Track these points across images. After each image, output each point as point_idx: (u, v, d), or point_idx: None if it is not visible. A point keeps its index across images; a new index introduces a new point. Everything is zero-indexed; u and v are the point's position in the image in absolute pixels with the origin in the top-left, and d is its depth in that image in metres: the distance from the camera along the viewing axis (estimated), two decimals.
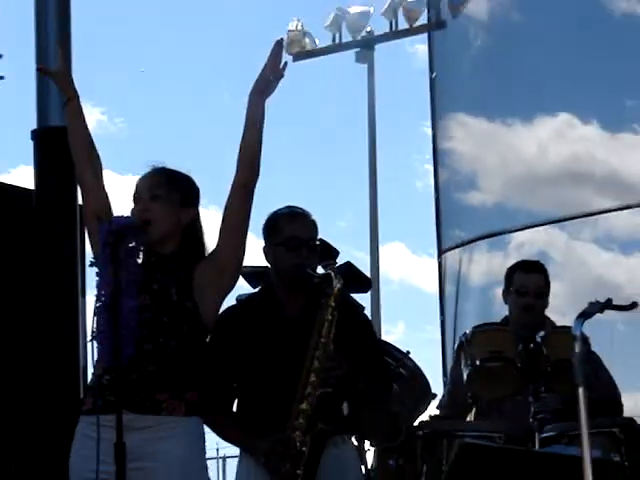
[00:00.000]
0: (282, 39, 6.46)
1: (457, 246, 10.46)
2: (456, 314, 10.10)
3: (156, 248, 6.31)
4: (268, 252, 6.91)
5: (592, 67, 10.91)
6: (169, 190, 6.31)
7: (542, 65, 10.95)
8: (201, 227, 6.55)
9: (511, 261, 8.92)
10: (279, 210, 6.94)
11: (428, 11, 11.04)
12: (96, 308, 6.05)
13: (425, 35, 14.65)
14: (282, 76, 6.44)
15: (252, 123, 6.32)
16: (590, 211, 11.02)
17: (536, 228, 10.74)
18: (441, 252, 10.40)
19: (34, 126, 8.61)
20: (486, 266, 10.42)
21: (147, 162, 6.42)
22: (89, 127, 6.54)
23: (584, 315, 6.57)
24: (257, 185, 6.35)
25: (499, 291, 9.02)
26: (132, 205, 6.35)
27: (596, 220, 11.02)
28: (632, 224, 10.87)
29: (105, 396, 5.95)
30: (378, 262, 20.98)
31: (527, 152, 11.14)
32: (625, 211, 10.98)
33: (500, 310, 8.77)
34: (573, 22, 10.64)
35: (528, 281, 8.23)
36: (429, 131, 10.99)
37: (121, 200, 6.46)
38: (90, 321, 6.17)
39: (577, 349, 6.43)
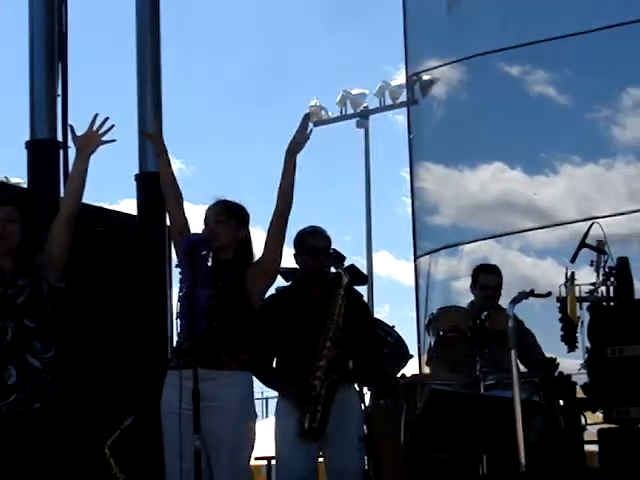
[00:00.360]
0: (309, 113, 6.50)
1: (426, 254, 10.46)
2: (426, 300, 10.11)
3: (219, 256, 6.35)
4: (297, 258, 7.00)
5: (517, 131, 10.89)
6: (227, 216, 6.39)
7: (482, 129, 10.95)
8: (251, 240, 6.51)
9: (463, 265, 8.91)
10: (304, 228, 7.02)
11: (407, 92, 10.96)
12: (179, 297, 6.08)
13: (404, 109, 14.89)
14: (308, 139, 6.45)
15: (288, 174, 6.41)
16: (517, 229, 11.02)
17: (479, 242, 10.74)
18: (416, 258, 10.39)
19: (137, 171, 8.52)
20: (446, 268, 10.43)
21: (214, 196, 6.50)
22: (175, 172, 6.59)
23: (514, 301, 6.65)
24: (297, 209, 6.49)
25: (454, 284, 9.08)
26: (203, 226, 6.37)
27: (521, 236, 11.02)
28: (545, 238, 10.88)
29: (185, 357, 5.99)
30: (372, 264, 21.45)
31: (472, 189, 11.13)
32: (540, 230, 11.00)
33: (455, 297, 8.78)
34: (504, 100, 10.66)
35: (488, 279, 8.26)
36: (407, 175, 11.11)
37: (196, 222, 6.55)
38: (175, 305, 6.22)
39: (510, 324, 6.53)
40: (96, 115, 6.20)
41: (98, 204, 8.22)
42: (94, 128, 6.20)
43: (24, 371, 5.86)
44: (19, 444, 5.79)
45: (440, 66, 10.98)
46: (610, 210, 10.35)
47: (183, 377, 5.87)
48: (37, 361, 5.90)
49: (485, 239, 10.67)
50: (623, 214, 10.10)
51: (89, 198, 7.94)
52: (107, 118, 6.19)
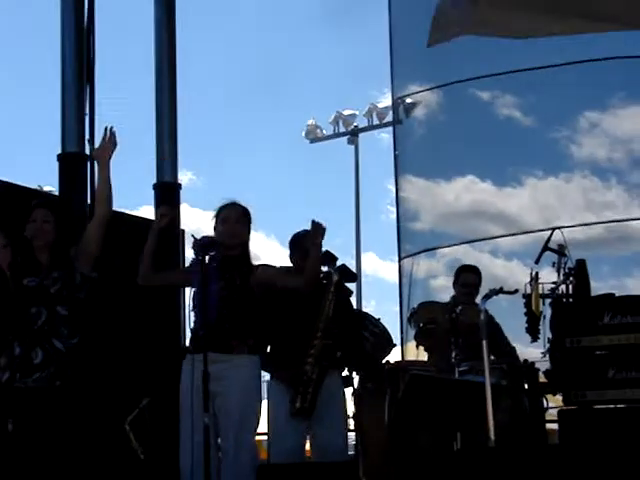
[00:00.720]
0: (322, 226, 6.35)
1: (409, 256, 10.47)
2: (408, 296, 10.13)
3: (229, 252, 6.32)
4: (292, 258, 6.98)
5: (487, 148, 10.93)
6: (245, 218, 6.40)
7: (457, 146, 10.97)
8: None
9: (440, 265, 8.93)
10: (299, 232, 7.02)
11: (392, 113, 10.99)
12: (193, 292, 6.11)
13: (390, 128, 15.02)
14: (320, 243, 6.35)
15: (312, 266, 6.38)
16: (488, 235, 11.05)
17: (455, 246, 10.77)
18: (400, 259, 10.39)
19: (154, 181, 8.54)
20: (425, 268, 10.44)
21: (224, 198, 6.50)
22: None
23: (486, 297, 6.71)
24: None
25: (433, 282, 9.10)
26: (222, 223, 6.37)
27: (492, 240, 11.06)
28: (513, 242, 10.91)
29: (200, 343, 5.99)
30: (360, 264, 21.55)
31: (448, 198, 11.15)
32: (508, 237, 11.03)
33: (433, 293, 8.83)
34: (476, 121, 10.68)
35: (469, 278, 8.27)
36: (391, 186, 11.21)
37: (206, 227, 6.56)
38: (188, 299, 6.22)
39: (482, 317, 6.53)
40: (106, 128, 6.24)
41: (120, 209, 8.23)
42: (105, 139, 6.25)
43: (49, 353, 5.91)
44: (41, 417, 5.81)
45: (421, 91, 11.00)
46: (569, 218, 10.40)
47: (197, 360, 5.90)
48: (62, 345, 5.94)
49: (460, 244, 10.69)
50: (585, 225, 10.12)
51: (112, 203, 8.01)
52: (112, 127, 6.22)
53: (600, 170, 10.78)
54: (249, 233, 6.48)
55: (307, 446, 7.12)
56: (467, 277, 8.32)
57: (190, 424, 5.91)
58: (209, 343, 5.95)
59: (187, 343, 6.51)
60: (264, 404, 6.63)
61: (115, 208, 7.84)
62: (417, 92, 10.98)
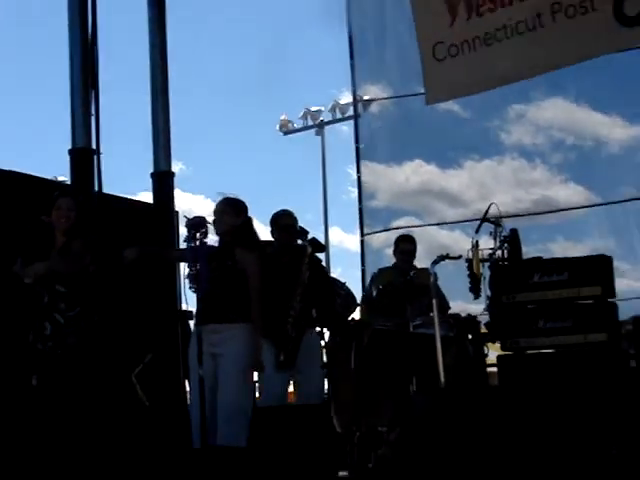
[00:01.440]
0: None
1: (371, 233, 10.42)
2: (368, 263, 10.08)
3: (223, 238, 6.25)
4: (273, 234, 6.86)
5: (431, 136, 10.83)
6: (229, 209, 6.24)
7: (406, 135, 10.90)
8: (251, 225, 6.35)
9: (393, 236, 8.83)
10: (278, 211, 6.90)
11: (354, 109, 10.85)
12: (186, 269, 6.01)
13: (351, 121, 14.96)
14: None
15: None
16: (433, 210, 11.01)
17: (405, 218, 10.71)
18: (362, 234, 10.32)
19: (151, 170, 8.40)
20: (382, 239, 10.38)
21: (217, 192, 6.38)
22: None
23: (435, 262, 6.59)
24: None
25: (386, 251, 9.00)
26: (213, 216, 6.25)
27: (436, 212, 11.01)
28: (455, 214, 10.85)
29: (200, 315, 5.99)
30: (328, 237, 21.49)
31: (399, 180, 11.08)
32: (451, 210, 10.98)
33: (388, 260, 8.70)
34: (421, 113, 10.54)
35: (406, 246, 8.16)
36: (352, 171, 11.13)
37: (197, 208, 6.46)
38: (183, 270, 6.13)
39: (432, 280, 6.43)
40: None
41: (121, 195, 8.13)
42: None
43: (55, 325, 5.94)
44: (58, 374, 5.89)
45: (382, 99, 10.88)
46: (502, 194, 10.37)
47: (201, 330, 5.87)
48: (62, 318, 5.95)
49: (409, 217, 10.66)
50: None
51: (116, 190, 7.90)
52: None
53: (527, 153, 10.74)
54: (238, 219, 6.31)
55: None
56: (405, 245, 8.15)
57: (197, 382, 5.81)
58: (210, 316, 5.96)
59: (184, 307, 6.47)
60: None
61: (117, 193, 7.84)
62: (379, 99, 10.89)
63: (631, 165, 9.96)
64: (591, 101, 10.26)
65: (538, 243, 9.85)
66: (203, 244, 5.94)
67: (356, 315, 7.69)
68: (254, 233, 6.34)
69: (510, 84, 9.48)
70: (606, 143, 10.38)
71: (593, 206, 9.92)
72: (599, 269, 6.91)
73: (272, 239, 6.94)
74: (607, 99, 10.08)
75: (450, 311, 7.86)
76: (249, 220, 6.34)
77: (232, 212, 6.28)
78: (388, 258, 8.94)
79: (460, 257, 6.96)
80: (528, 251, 7.58)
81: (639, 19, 7.56)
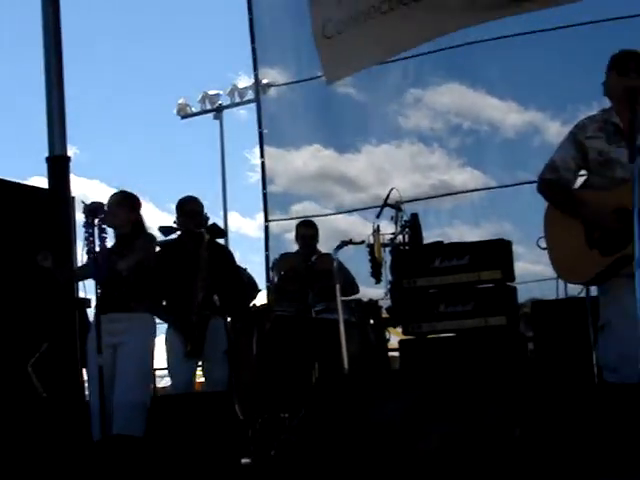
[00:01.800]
0: None
1: (273, 219, 10.36)
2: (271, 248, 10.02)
3: (120, 231, 6.37)
4: (178, 220, 6.79)
5: (329, 120, 10.80)
6: (124, 201, 6.27)
7: (304, 120, 10.83)
8: (142, 221, 6.43)
9: (293, 222, 8.81)
10: (184, 197, 6.89)
11: (256, 93, 10.73)
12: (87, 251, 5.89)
13: (248, 105, 14.88)
14: None
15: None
16: (331, 194, 11.00)
17: (303, 203, 10.67)
18: (267, 219, 10.26)
19: (46, 154, 8.19)
20: (282, 224, 10.32)
21: (117, 187, 6.41)
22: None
23: (337, 247, 6.58)
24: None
25: (286, 236, 8.96)
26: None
27: (335, 197, 11.01)
28: (353, 199, 10.85)
29: (101, 303, 5.96)
30: (227, 222, 21.46)
31: (297, 165, 11.03)
32: (349, 194, 11.01)
33: (289, 245, 8.68)
34: (318, 97, 10.51)
35: (306, 231, 8.11)
36: (249, 156, 11.06)
37: (93, 193, 6.38)
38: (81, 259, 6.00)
39: (335, 265, 6.41)
40: None
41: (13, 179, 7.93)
42: None
43: None
44: None
45: (284, 84, 10.78)
46: (400, 178, 10.41)
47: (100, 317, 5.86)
48: None
49: (307, 201, 10.63)
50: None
51: (4, 174, 7.70)
52: None
53: (424, 138, 10.75)
54: (133, 212, 6.34)
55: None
56: (305, 230, 8.13)
57: (95, 368, 5.80)
58: (110, 305, 6.00)
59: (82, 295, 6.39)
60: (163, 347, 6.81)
61: (9, 178, 7.63)
62: (279, 84, 10.79)
63: (526, 149, 10.09)
64: (487, 86, 10.34)
65: (436, 227, 9.93)
66: (102, 249, 5.88)
67: (258, 301, 7.63)
68: (147, 227, 6.45)
69: (406, 64, 9.61)
70: (501, 128, 10.51)
71: (489, 189, 10.02)
72: (499, 253, 6.99)
73: (170, 224, 6.87)
74: (502, 84, 10.19)
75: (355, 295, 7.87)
76: (141, 217, 6.41)
77: (128, 206, 6.29)
78: (288, 243, 8.90)
79: (363, 242, 6.97)
80: (426, 235, 7.64)
81: None
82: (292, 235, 8.31)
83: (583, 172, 4.87)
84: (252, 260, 27.14)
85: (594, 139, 4.68)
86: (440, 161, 10.60)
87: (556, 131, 9.72)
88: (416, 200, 9.40)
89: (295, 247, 8.33)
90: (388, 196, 7.41)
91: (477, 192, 10.06)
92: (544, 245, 4.80)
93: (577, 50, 9.33)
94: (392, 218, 7.39)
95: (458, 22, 8.19)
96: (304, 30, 9.59)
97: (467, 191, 10.12)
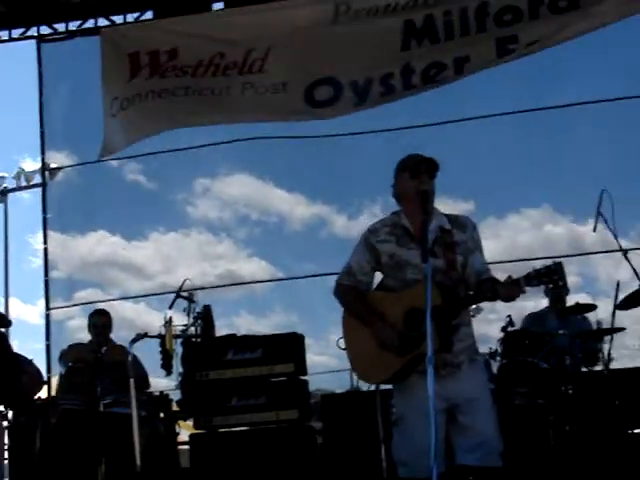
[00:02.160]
0: None
1: (55, 307, 9.96)
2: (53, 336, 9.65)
3: None
4: None
5: (116, 206, 10.71)
6: None
7: (91, 205, 10.57)
8: None
9: (75, 308, 8.59)
10: None
11: (42, 177, 10.28)
12: None
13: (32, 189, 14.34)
14: None
15: None
16: (117, 282, 10.79)
17: (87, 290, 10.38)
18: (48, 307, 9.84)
19: None
20: (65, 312, 9.96)
21: None
22: None
23: (133, 340, 6.47)
24: None
25: (69, 324, 8.66)
26: None
27: (121, 284, 10.80)
28: (140, 286, 10.70)
29: None
30: (8, 308, 20.15)
31: (83, 251, 10.73)
32: (136, 282, 10.82)
33: (71, 334, 8.47)
34: (106, 183, 10.43)
35: (99, 320, 7.90)
36: (32, 240, 10.65)
37: None
38: None
39: (129, 358, 6.28)
40: None
41: None
42: None
43: None
44: None
45: (71, 165, 10.51)
46: (187, 267, 10.37)
47: None
48: None
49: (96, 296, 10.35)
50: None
51: None
52: None
53: (213, 227, 10.84)
54: None
55: None
56: (97, 319, 7.94)
57: None
58: None
59: None
60: None
61: None
62: (66, 167, 10.50)
63: (312, 242, 10.31)
64: (275, 179, 10.54)
65: (223, 317, 9.89)
66: None
67: (43, 394, 7.32)
68: None
69: (196, 153, 9.65)
70: (289, 220, 10.69)
71: (276, 280, 10.13)
72: (292, 346, 7.06)
73: None
74: (290, 177, 10.41)
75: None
76: None
77: None
78: (71, 331, 8.64)
79: (160, 336, 6.83)
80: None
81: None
82: (75, 323, 8.09)
83: None
84: (31, 349, 25.98)
85: (385, 243, 4.79)
86: (227, 251, 10.67)
87: (342, 224, 10.01)
88: (202, 289, 9.35)
89: (78, 336, 8.11)
90: (181, 287, 7.34)
91: (265, 283, 10.16)
92: (344, 345, 4.86)
93: (360, 151, 9.65)
94: (184, 309, 7.32)
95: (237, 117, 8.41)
96: (93, 114, 9.46)
97: (255, 282, 10.20)
